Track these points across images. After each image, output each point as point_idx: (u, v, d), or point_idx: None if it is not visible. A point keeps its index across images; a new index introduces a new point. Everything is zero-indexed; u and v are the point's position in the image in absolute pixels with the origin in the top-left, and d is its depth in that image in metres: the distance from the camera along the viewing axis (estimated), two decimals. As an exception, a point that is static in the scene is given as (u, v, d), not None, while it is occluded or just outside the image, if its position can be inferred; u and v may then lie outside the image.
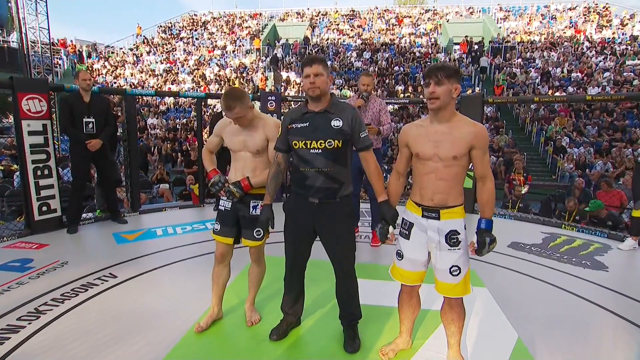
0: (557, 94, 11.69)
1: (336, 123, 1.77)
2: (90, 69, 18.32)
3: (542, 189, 8.13)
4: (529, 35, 17.57)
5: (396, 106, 12.59)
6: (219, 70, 17.49)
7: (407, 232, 1.76)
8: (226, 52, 19.52)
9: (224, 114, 1.94)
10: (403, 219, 1.80)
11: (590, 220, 4.86)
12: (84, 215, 4.26)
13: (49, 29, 11.86)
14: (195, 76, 17.11)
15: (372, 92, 3.51)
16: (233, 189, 1.96)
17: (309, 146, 1.78)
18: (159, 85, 16.69)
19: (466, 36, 17.56)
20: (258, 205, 2.03)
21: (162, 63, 18.94)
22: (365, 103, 3.40)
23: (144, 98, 14.99)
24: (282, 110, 5.52)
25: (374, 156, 1.86)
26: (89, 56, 19.94)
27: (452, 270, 1.66)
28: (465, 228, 1.69)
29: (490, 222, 1.66)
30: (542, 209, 6.06)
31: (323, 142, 1.76)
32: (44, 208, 3.78)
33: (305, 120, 1.80)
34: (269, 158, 2.02)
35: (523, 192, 6.19)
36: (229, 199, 2.02)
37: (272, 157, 1.99)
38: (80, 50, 19.45)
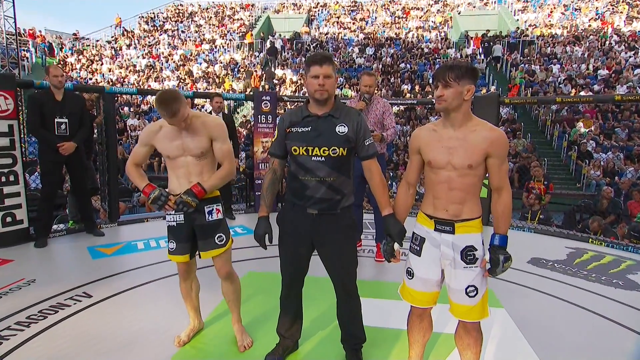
0: (581, 93, 11.79)
1: (341, 129, 1.79)
2: (62, 63, 18.37)
3: (566, 198, 8.14)
4: (550, 28, 17.74)
5: (402, 107, 12.66)
6: (207, 67, 17.58)
7: (417, 248, 1.76)
8: (215, 47, 19.65)
9: (163, 119, 1.94)
10: (413, 233, 1.80)
11: (629, 234, 4.85)
12: (54, 227, 4.24)
13: (15, 18, 11.90)
14: (180, 73, 17.20)
15: (375, 92, 3.53)
16: (187, 199, 1.94)
17: (310, 153, 1.79)
18: (141, 83, 16.76)
19: (488, 30, 17.72)
20: (214, 209, 2.07)
21: (143, 58, 19.01)
22: (367, 106, 3.42)
23: (124, 96, 15.03)
24: (277, 112, 5.54)
25: (379, 166, 1.88)
26: (61, 49, 20.00)
27: (468, 290, 1.66)
28: (483, 243, 1.70)
29: (505, 238, 1.66)
30: (566, 221, 6.06)
31: (327, 149, 1.78)
32: (9, 219, 3.76)
33: (307, 124, 1.81)
34: (217, 158, 2.06)
35: (544, 202, 6.20)
36: (182, 211, 1.99)
37: (220, 157, 2.05)
38: (51, 42, 19.51)
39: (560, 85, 12.72)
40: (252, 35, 19.48)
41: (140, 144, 2.07)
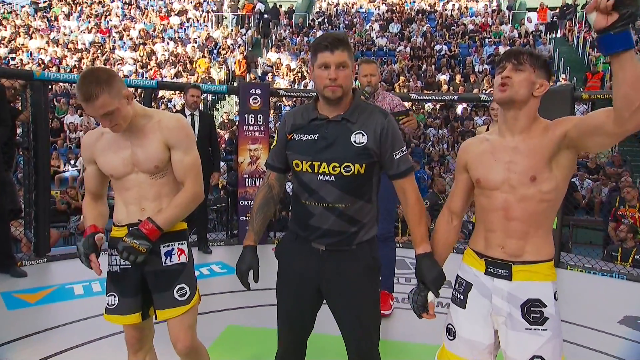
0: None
1: (358, 138, 1.79)
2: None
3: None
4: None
5: (437, 105, 12.69)
6: (177, 47, 17.87)
7: (461, 297, 1.75)
8: (187, 21, 19.99)
9: (88, 113, 1.85)
10: (458, 276, 1.79)
11: None
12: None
13: None
14: (140, 54, 17.46)
15: (379, 86, 3.65)
16: (133, 243, 1.83)
17: (316, 170, 1.80)
18: (85, 66, 16.99)
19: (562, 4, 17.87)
20: (174, 249, 1.99)
21: (88, 32, 19.31)
22: (368, 101, 3.49)
23: (61, 85, 15.22)
24: (269, 110, 5.58)
25: (416, 185, 1.87)
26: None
27: (533, 364, 1.62)
28: (556, 298, 1.66)
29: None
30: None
31: (338, 165, 1.78)
32: None
33: (314, 130, 1.82)
34: (176, 176, 1.98)
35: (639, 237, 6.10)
36: (128, 260, 1.86)
37: (180, 174, 1.98)
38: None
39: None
40: (252, 5, 19.47)
41: (85, 163, 2.04)
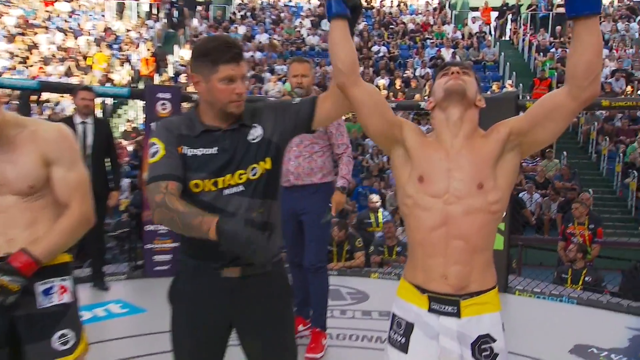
0: (641, 92, 12.50)
1: (253, 134, 1.85)
2: None
3: (624, 249, 8.27)
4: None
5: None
6: (66, 40, 17.20)
7: (402, 340, 1.74)
8: (79, 7, 19.32)
9: None
10: (394, 315, 1.79)
11: None
12: None
13: None
14: (18, 46, 16.64)
15: (312, 90, 3.61)
16: (1, 280, 1.72)
17: (221, 185, 1.80)
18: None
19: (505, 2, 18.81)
20: (55, 287, 1.91)
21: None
22: None
23: None
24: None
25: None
26: None
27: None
28: (503, 329, 1.71)
29: None
30: (626, 285, 6.08)
31: (244, 172, 1.81)
32: None
33: (209, 143, 1.81)
34: (58, 196, 1.89)
35: (590, 257, 6.40)
36: None
37: (63, 194, 1.89)
38: None
39: (608, 81, 13.34)
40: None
41: None
